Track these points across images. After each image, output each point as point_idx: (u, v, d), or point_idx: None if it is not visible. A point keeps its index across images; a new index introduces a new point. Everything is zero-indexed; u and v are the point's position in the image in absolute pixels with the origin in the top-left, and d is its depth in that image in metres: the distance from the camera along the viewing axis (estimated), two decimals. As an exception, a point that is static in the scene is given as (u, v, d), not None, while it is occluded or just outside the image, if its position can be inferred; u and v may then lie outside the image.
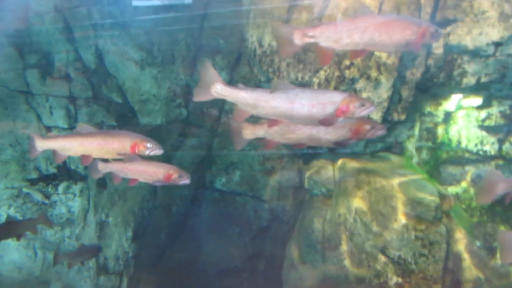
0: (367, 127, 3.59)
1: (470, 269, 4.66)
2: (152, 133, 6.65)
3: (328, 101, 3.30)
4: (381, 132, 3.72)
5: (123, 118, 6.60)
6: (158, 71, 6.28)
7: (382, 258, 4.74)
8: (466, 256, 4.84)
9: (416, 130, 5.80)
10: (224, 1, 5.96)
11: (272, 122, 3.60)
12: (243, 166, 6.65)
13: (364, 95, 4.76)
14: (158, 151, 4.22)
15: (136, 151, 4.14)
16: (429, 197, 4.83)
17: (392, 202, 4.82)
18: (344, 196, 5.14)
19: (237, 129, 3.85)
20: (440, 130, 5.81)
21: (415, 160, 6.02)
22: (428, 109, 5.70)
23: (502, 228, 5.70)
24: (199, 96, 3.54)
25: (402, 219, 4.73)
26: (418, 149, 5.95)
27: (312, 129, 3.57)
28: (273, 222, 6.63)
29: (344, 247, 5.01)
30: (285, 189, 6.44)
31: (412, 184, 4.96)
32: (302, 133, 3.60)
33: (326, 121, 3.33)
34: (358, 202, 4.97)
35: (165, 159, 6.65)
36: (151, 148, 4.16)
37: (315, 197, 5.66)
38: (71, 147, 4.23)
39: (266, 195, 6.57)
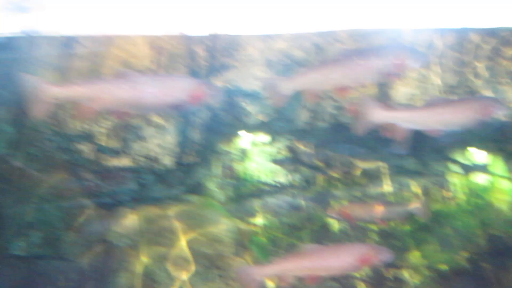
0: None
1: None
2: None
3: (179, 87, 3.20)
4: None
5: None
6: None
7: (187, 303, 4.73)
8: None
9: (217, 169, 6.05)
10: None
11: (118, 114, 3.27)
12: (43, 225, 6.06)
13: (153, 142, 4.80)
14: None
15: None
16: (228, 235, 5.03)
17: (193, 245, 4.88)
18: (146, 245, 5.04)
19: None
20: (239, 167, 6.17)
21: (221, 197, 6.25)
22: (225, 148, 6.01)
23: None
24: (35, 111, 3.14)
25: (202, 260, 4.81)
26: (222, 186, 6.20)
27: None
28: (84, 282, 6.14)
29: (150, 298, 4.87)
30: (91, 245, 6.04)
31: (211, 224, 5.11)
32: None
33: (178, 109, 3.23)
34: (159, 249, 4.90)
35: None
36: None
37: (119, 249, 5.43)
38: None
39: (72, 254, 6.07)
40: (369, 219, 5.08)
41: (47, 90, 3.08)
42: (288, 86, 3.50)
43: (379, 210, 4.91)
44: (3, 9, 5.68)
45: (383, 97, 5.13)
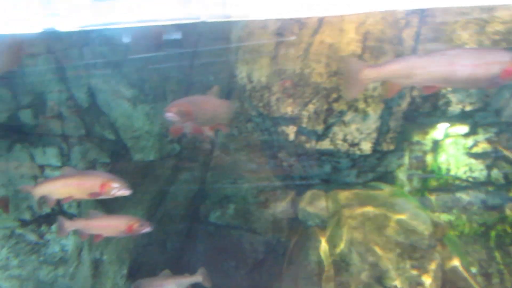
0: None
1: (466, 297, 4.68)
2: (146, 169, 6.68)
3: (494, 61, 2.99)
4: None
5: (116, 155, 6.64)
6: (150, 108, 6.37)
7: (379, 289, 4.74)
8: (462, 284, 4.86)
9: (406, 159, 5.89)
10: (214, 39, 6.12)
11: (427, 88, 3.24)
12: (237, 199, 6.66)
13: (353, 126, 4.87)
14: (125, 191, 4.31)
15: (105, 190, 4.26)
16: (422, 226, 4.88)
17: (385, 232, 4.86)
18: (338, 226, 5.17)
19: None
20: (429, 158, 5.91)
21: (406, 188, 6.09)
22: (416, 138, 5.80)
23: (496, 254, 5.74)
24: (352, 93, 3.35)
25: (396, 249, 4.75)
26: (409, 177, 6.03)
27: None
28: (269, 255, 6.59)
29: (340, 278, 5.00)
30: (279, 221, 6.44)
31: (404, 213, 5.01)
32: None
33: (489, 85, 3.08)
34: (352, 232, 4.99)
35: (159, 194, 6.68)
36: (117, 187, 4.27)
37: (309, 228, 5.68)
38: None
39: (261, 228, 6.56)
40: None
41: (365, 72, 3.19)
42: None
43: None
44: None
45: None
